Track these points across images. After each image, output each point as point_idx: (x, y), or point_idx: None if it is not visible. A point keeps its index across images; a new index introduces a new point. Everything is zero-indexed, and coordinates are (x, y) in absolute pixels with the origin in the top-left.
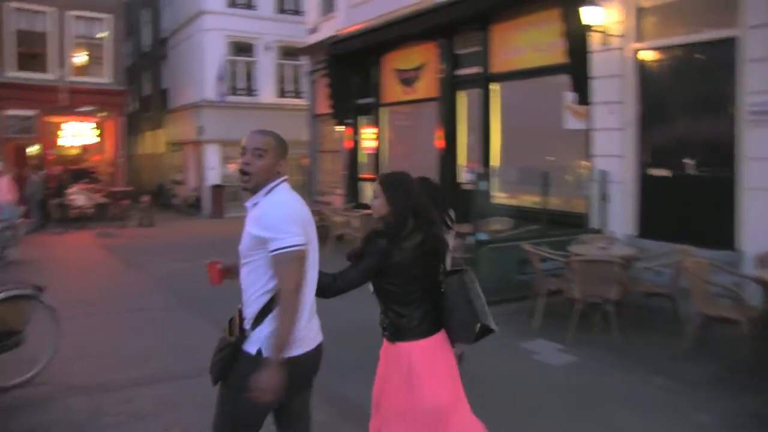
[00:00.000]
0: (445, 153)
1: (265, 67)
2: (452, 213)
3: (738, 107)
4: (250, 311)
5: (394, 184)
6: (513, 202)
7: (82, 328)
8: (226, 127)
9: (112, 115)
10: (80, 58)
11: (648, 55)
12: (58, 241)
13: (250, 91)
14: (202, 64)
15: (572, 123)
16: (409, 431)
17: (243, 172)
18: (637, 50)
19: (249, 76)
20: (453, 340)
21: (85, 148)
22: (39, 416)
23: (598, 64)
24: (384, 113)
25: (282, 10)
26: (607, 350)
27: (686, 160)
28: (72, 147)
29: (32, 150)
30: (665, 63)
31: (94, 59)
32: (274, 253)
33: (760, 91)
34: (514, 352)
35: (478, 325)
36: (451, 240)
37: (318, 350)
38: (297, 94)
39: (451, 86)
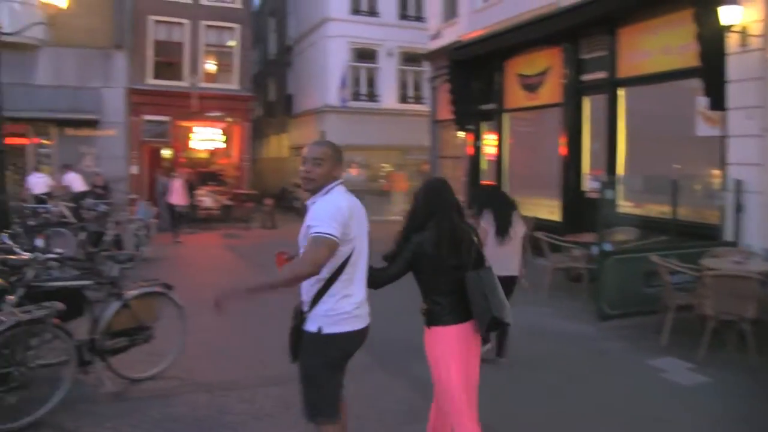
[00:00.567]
0: (569, 160)
1: (387, 72)
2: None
3: None
4: (307, 296)
5: (418, 190)
6: (639, 211)
7: (206, 326)
8: (348, 132)
9: (239, 120)
10: (210, 65)
11: None
12: (187, 241)
13: (372, 96)
14: (326, 70)
15: (704, 129)
16: (457, 409)
17: (305, 179)
18: None
19: (371, 82)
20: (476, 329)
21: (213, 152)
22: (165, 409)
23: (735, 66)
24: (506, 119)
25: (404, 17)
26: (743, 373)
27: None
28: (201, 150)
29: (166, 153)
30: None
31: (223, 67)
32: (310, 234)
33: None
34: (640, 369)
35: (491, 317)
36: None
37: (366, 330)
38: (418, 100)
39: (575, 92)
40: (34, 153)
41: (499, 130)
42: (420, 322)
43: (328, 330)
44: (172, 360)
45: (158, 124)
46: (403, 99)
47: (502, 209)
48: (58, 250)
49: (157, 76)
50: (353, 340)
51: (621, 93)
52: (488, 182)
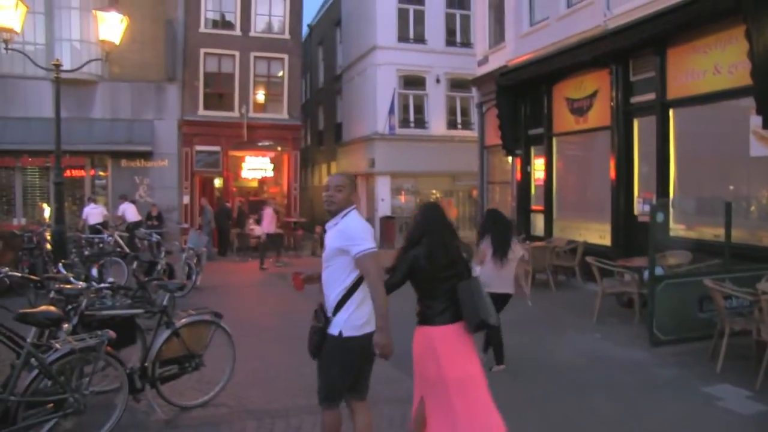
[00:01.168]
0: (619, 184)
1: (435, 99)
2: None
3: None
4: (331, 303)
5: (415, 212)
6: (692, 234)
7: (256, 354)
8: (397, 159)
9: (288, 149)
10: (260, 95)
11: None
12: (237, 269)
13: (420, 123)
14: (375, 97)
15: (758, 149)
16: (440, 397)
17: (328, 202)
18: None
19: (419, 109)
20: (466, 330)
21: (263, 181)
22: None
23: None
24: (554, 143)
25: (451, 43)
26: None
27: None
28: (251, 179)
29: (217, 183)
30: None
31: (273, 96)
32: (359, 255)
33: None
34: (696, 396)
35: (479, 319)
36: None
37: (370, 335)
38: (466, 126)
39: (624, 114)
40: (91, 184)
41: (547, 155)
42: None
43: (347, 334)
44: (221, 388)
45: (209, 154)
46: (452, 125)
47: (502, 234)
48: (111, 280)
49: (207, 107)
50: (367, 342)
51: (671, 114)
52: (494, 209)
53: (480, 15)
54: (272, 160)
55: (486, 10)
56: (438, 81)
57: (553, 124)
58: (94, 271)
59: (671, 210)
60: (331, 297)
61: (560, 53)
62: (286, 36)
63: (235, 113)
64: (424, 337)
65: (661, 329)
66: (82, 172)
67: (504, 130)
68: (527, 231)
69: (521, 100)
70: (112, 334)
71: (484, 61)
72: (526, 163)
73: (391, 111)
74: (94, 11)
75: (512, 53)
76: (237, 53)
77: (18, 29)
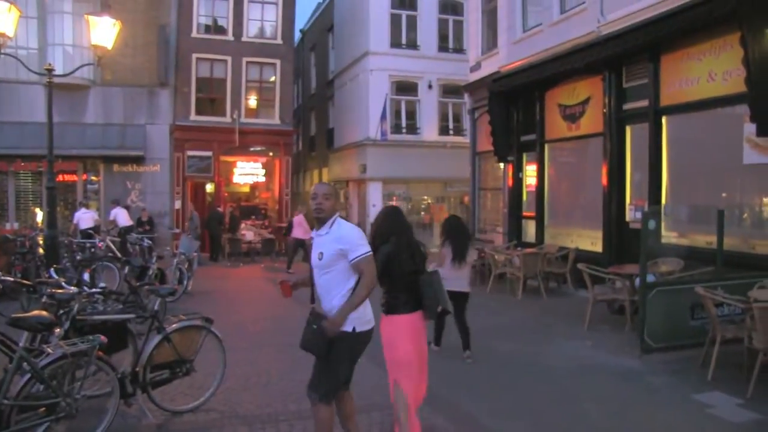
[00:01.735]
0: (611, 191)
1: (428, 105)
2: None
3: None
4: (337, 303)
5: (378, 215)
6: (684, 242)
7: (247, 359)
8: (388, 165)
9: (280, 155)
10: (252, 101)
11: None
12: (228, 274)
13: (412, 129)
14: (367, 103)
15: (752, 157)
16: (411, 373)
17: (318, 209)
18: None
19: (411, 115)
20: (425, 317)
21: (255, 186)
22: None
23: None
24: (547, 150)
25: (444, 49)
26: None
27: None
28: (243, 185)
29: (209, 188)
30: None
31: (264, 102)
32: (357, 258)
33: None
34: (686, 404)
35: (439, 308)
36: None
37: (372, 330)
38: (458, 132)
39: (617, 121)
40: (84, 189)
41: (539, 161)
42: None
43: (360, 329)
44: (212, 393)
45: (201, 159)
46: (444, 131)
47: (461, 240)
48: (102, 285)
49: (199, 112)
50: (370, 336)
51: (664, 121)
52: (454, 215)
53: (473, 21)
54: (264, 166)
55: (479, 16)
56: (430, 87)
57: (545, 131)
58: (86, 276)
59: (663, 217)
60: (336, 299)
61: (553, 59)
62: (279, 41)
63: (227, 118)
64: (392, 325)
65: (652, 336)
66: (75, 177)
67: (496, 136)
68: (518, 237)
69: (514, 107)
70: (103, 338)
71: (477, 67)
72: (518, 169)
73: (383, 117)
74: (86, 16)
75: (505, 59)
76: (229, 58)
77: (11, 34)
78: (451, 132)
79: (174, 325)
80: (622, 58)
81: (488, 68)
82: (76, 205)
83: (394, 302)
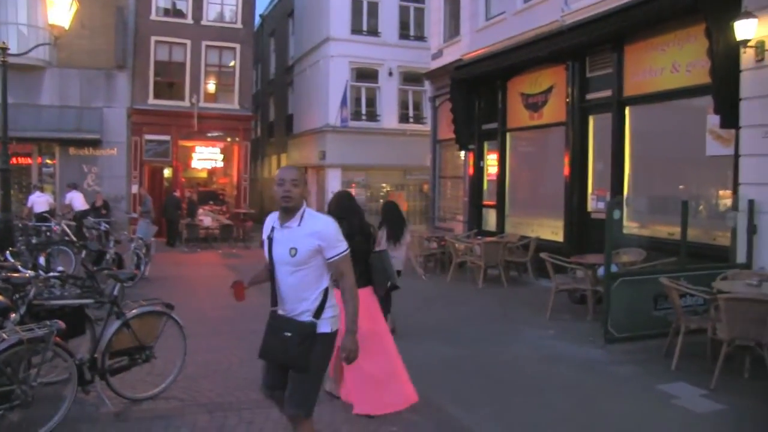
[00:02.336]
0: (573, 180)
1: (388, 92)
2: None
3: None
4: (309, 305)
5: (331, 200)
6: (647, 232)
7: (207, 346)
8: (348, 152)
9: (238, 140)
10: (211, 85)
11: None
12: (186, 260)
13: (372, 116)
14: (327, 90)
15: (715, 149)
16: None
17: (286, 197)
18: None
19: (372, 102)
20: (375, 292)
21: (213, 171)
22: (166, 430)
23: (749, 83)
24: (508, 138)
25: (405, 36)
26: (761, 400)
27: None
28: (201, 170)
29: (167, 173)
30: None
31: (223, 86)
32: (336, 257)
33: None
34: (651, 394)
35: (389, 283)
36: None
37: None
38: (419, 120)
39: (580, 111)
40: (39, 172)
41: (501, 150)
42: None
43: (335, 328)
44: (172, 380)
45: (159, 143)
46: (404, 119)
47: (396, 223)
48: (60, 269)
49: (158, 96)
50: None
51: (627, 111)
52: (391, 200)
53: (435, 8)
54: (222, 151)
55: (441, 3)
56: (391, 74)
57: (507, 119)
58: (42, 260)
59: (625, 208)
60: (311, 298)
61: (516, 48)
62: (239, 25)
63: (186, 103)
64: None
65: (616, 326)
66: (29, 160)
67: (457, 124)
68: (479, 226)
69: (475, 95)
70: (61, 324)
71: (439, 54)
72: (479, 158)
73: (344, 103)
74: None
75: (467, 47)
76: (188, 42)
77: None
78: (411, 120)
79: (134, 311)
80: (586, 48)
81: (450, 56)
82: (31, 189)
83: None
